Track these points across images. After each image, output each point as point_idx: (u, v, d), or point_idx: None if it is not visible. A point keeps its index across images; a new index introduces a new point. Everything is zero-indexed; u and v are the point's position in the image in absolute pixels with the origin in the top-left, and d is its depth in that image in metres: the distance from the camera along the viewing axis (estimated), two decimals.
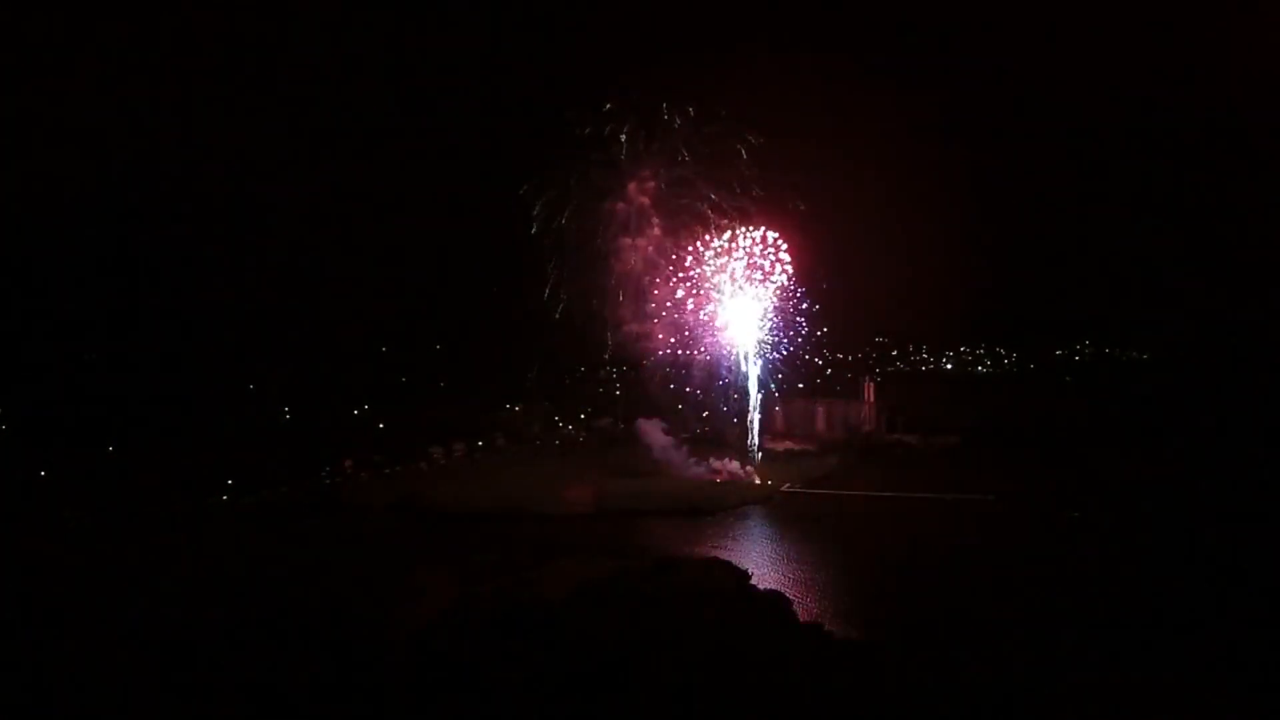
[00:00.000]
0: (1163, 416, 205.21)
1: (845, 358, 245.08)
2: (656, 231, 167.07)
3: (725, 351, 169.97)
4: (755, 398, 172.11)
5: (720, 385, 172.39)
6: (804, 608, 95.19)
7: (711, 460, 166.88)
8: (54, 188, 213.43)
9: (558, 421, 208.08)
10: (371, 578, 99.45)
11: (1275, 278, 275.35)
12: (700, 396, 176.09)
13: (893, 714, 69.95)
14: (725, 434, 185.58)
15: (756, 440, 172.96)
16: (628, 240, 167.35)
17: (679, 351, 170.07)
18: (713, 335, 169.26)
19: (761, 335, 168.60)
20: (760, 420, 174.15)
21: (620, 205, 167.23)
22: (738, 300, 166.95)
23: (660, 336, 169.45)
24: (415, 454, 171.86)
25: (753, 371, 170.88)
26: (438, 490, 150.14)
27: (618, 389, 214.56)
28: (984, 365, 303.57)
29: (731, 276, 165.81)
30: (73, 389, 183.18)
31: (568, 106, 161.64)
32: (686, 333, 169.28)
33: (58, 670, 76.90)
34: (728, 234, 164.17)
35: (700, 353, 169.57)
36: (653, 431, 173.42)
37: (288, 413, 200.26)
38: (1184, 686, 74.33)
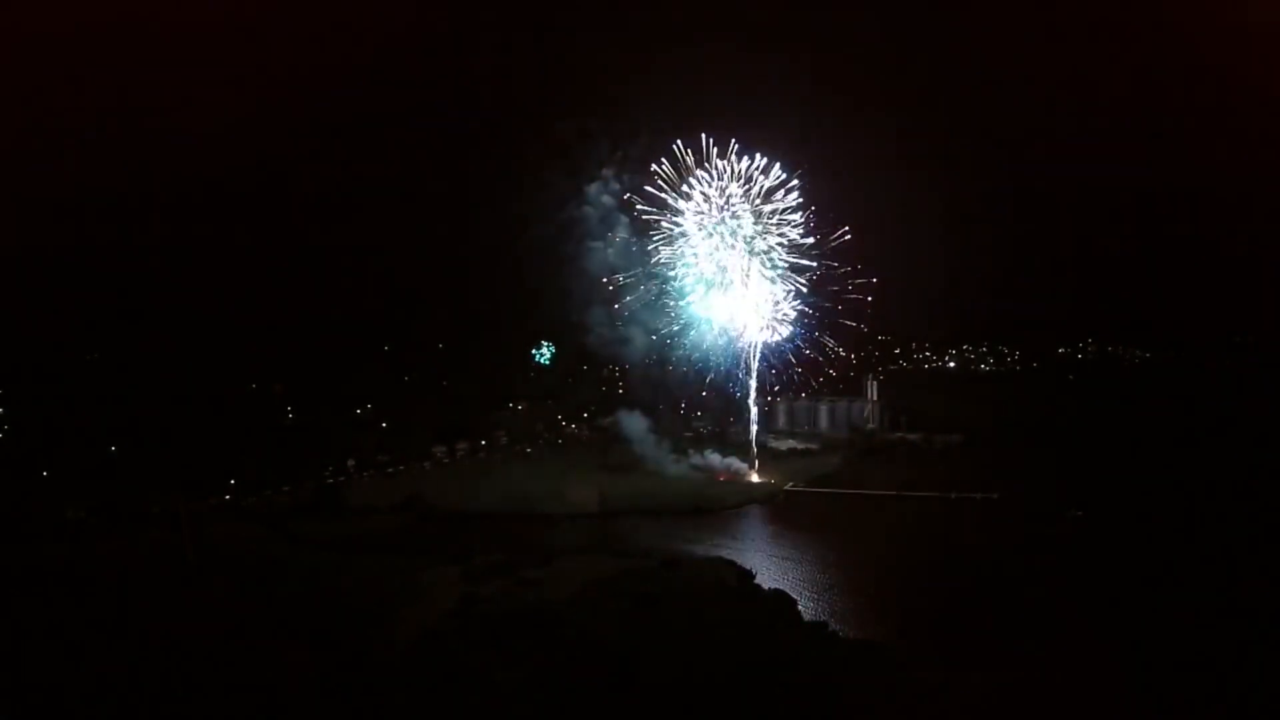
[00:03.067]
0: (1164, 415, 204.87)
1: (849, 356, 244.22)
2: (624, 234, 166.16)
3: (721, 350, 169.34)
4: (755, 396, 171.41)
5: (717, 383, 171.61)
6: (808, 606, 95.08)
7: (692, 454, 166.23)
8: (55, 189, 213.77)
9: (560, 420, 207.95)
10: (376, 578, 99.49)
11: (1275, 277, 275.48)
12: (696, 395, 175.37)
13: (896, 712, 69.88)
14: (726, 432, 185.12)
15: (756, 438, 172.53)
16: (597, 244, 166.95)
17: (656, 352, 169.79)
18: (699, 334, 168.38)
19: (761, 333, 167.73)
20: (762, 418, 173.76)
21: (586, 208, 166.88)
22: (729, 297, 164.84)
23: (633, 338, 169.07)
24: (419, 453, 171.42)
25: (754, 368, 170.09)
26: (442, 490, 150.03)
27: (620, 388, 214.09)
28: (987, 364, 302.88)
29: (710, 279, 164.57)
30: (74, 389, 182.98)
31: (549, 113, 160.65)
32: (655, 337, 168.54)
33: (60, 669, 76.97)
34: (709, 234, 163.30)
35: (687, 352, 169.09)
36: (632, 424, 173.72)
37: (291, 412, 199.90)
38: (1184, 686, 74.21)
